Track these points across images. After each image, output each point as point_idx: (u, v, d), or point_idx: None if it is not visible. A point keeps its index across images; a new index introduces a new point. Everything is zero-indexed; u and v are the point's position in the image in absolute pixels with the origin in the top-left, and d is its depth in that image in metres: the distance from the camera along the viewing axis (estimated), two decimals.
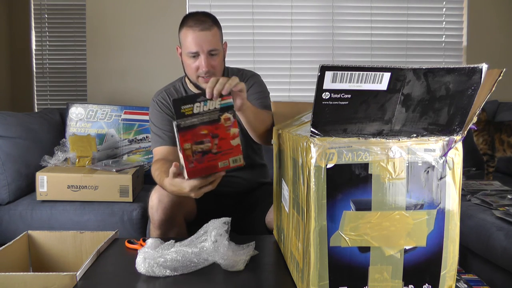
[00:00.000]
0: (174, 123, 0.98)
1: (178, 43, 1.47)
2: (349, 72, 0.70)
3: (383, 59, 2.62)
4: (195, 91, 1.52)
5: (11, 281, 0.94)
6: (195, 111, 1.00)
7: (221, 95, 1.03)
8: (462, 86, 0.73)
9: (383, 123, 0.76)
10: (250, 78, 1.54)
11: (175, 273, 0.99)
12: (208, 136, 0.99)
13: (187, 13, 2.50)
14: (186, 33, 1.37)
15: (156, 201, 1.33)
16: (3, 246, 1.13)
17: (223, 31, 1.46)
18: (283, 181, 1.06)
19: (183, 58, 1.44)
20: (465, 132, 0.78)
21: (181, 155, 0.99)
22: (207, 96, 1.01)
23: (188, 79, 1.49)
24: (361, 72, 0.70)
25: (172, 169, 1.07)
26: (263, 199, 1.48)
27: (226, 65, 1.54)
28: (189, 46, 1.37)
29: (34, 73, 2.60)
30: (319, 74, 0.69)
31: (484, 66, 0.71)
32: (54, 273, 0.95)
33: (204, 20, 1.37)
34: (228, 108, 1.03)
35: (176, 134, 0.98)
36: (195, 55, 1.38)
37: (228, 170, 1.04)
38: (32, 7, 2.56)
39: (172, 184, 1.10)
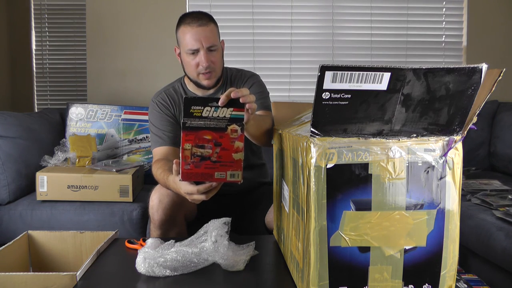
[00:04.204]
0: (181, 121, 0.98)
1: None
2: (349, 72, 0.70)
3: (383, 59, 2.61)
4: (195, 91, 1.52)
5: (11, 281, 0.94)
6: (204, 114, 0.98)
7: (233, 105, 0.99)
8: (462, 86, 0.73)
9: (383, 123, 0.76)
10: (249, 78, 1.54)
11: (175, 273, 0.99)
12: (211, 143, 0.98)
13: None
14: (184, 30, 1.39)
15: (156, 201, 1.33)
16: (3, 246, 1.13)
17: (223, 31, 1.47)
18: (283, 181, 1.06)
19: (182, 56, 1.44)
20: (465, 132, 0.78)
21: (180, 155, 0.99)
22: (219, 104, 0.98)
23: (188, 78, 1.49)
24: (361, 72, 0.70)
25: (174, 167, 1.07)
26: (263, 199, 1.49)
27: (225, 64, 1.54)
28: (188, 42, 1.38)
29: (34, 73, 2.60)
30: (319, 74, 0.69)
31: (484, 66, 0.71)
32: (54, 273, 0.95)
33: (201, 17, 1.39)
34: (238, 120, 1.00)
35: (181, 132, 0.98)
36: (195, 52, 1.38)
37: (223, 183, 1.03)
38: (32, 7, 2.55)
39: (174, 181, 1.12)
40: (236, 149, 0.99)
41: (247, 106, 1.01)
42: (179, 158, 1.00)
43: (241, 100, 0.99)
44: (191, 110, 0.98)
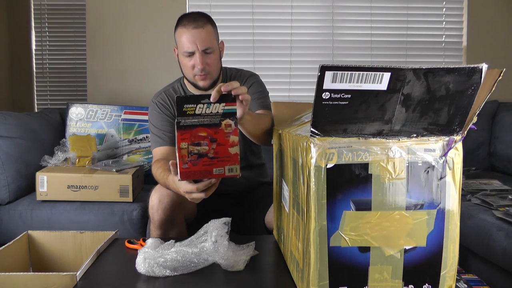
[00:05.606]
0: (175, 120, 0.98)
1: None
2: (349, 72, 0.70)
3: (383, 59, 2.61)
4: (194, 91, 1.52)
5: (11, 281, 0.94)
6: (197, 111, 0.99)
7: (225, 100, 1.00)
8: (462, 86, 0.73)
9: (383, 123, 0.76)
10: (249, 78, 1.54)
11: (175, 273, 0.99)
12: (206, 139, 0.98)
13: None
14: (180, 32, 1.39)
15: (156, 201, 1.33)
16: (3, 246, 1.13)
17: (223, 31, 1.47)
18: (283, 181, 1.06)
19: (179, 58, 1.45)
20: (465, 132, 0.78)
21: (177, 155, 0.99)
22: (211, 100, 0.99)
23: (187, 79, 1.50)
24: (361, 72, 0.70)
25: (171, 168, 1.07)
26: (263, 199, 1.49)
27: (225, 65, 1.54)
28: (184, 44, 1.38)
29: (34, 73, 2.60)
30: (319, 74, 0.69)
31: (484, 66, 0.71)
32: (54, 273, 0.95)
33: (198, 18, 1.39)
34: (231, 114, 1.00)
35: (175, 132, 0.98)
36: (190, 54, 1.38)
37: (222, 179, 1.03)
38: (32, 7, 2.55)
39: (173, 181, 1.12)
40: (231, 144, 1.00)
41: (240, 97, 1.02)
42: (176, 158, 1.00)
43: (232, 93, 1.00)
44: (184, 109, 0.98)
